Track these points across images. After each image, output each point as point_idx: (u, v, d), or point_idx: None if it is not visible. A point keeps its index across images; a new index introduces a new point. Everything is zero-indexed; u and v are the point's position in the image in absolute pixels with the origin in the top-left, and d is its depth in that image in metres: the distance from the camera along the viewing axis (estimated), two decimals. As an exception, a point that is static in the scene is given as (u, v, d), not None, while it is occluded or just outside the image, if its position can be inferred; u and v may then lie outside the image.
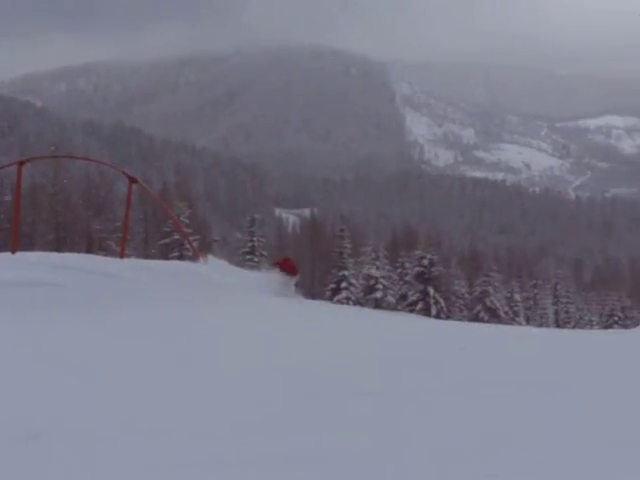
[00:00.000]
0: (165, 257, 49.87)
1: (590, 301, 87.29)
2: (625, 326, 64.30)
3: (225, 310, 16.36)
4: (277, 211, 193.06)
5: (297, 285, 28.58)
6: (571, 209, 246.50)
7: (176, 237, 52.27)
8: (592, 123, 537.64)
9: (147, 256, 48.94)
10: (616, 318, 79.57)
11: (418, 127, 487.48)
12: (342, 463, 5.06)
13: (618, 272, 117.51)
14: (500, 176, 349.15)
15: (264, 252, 61.01)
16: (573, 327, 70.54)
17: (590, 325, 77.16)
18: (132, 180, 26.00)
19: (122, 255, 27.40)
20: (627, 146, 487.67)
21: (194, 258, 29.52)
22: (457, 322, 34.74)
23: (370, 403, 7.08)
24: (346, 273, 55.88)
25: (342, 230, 61.48)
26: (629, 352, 14.61)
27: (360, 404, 7.04)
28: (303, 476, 4.84)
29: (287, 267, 27.68)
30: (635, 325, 54.25)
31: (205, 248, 46.13)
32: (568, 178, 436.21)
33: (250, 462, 5.03)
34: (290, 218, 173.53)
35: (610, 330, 45.45)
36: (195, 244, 40.15)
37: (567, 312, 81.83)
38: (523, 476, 4.93)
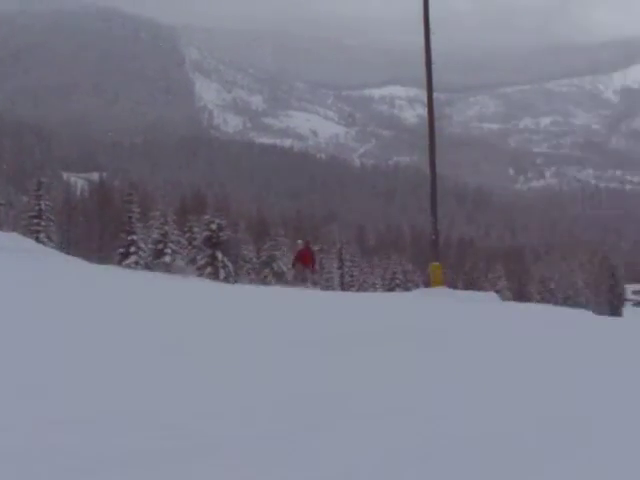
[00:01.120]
0: None
1: (374, 265, 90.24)
2: (407, 289, 66.85)
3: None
4: (65, 175, 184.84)
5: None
6: (356, 176, 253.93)
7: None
8: (377, 92, 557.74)
9: None
10: (398, 281, 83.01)
11: (207, 92, 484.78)
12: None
13: (400, 237, 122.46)
14: (288, 143, 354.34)
15: (51, 216, 59.82)
16: (357, 290, 72.57)
17: (374, 288, 79.78)
18: None
19: None
20: (409, 115, 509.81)
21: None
22: (249, 286, 34.41)
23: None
24: (135, 237, 55.29)
25: (130, 195, 61.65)
26: (407, 312, 14.93)
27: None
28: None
29: (305, 257, 26.48)
30: (416, 287, 56.52)
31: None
32: (353, 146, 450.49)
33: None
34: (79, 182, 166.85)
35: (392, 293, 47.02)
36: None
37: (352, 276, 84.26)
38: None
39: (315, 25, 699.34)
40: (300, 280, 26.09)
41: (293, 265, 27.68)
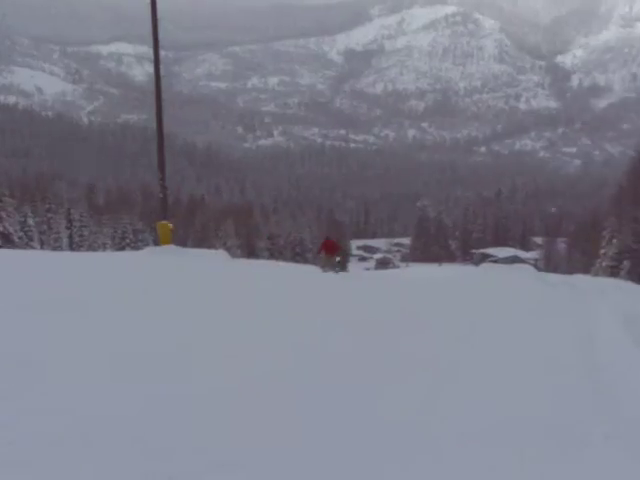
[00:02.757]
0: None
1: (104, 224, 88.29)
2: (137, 248, 66.23)
3: None
4: None
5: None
6: (84, 134, 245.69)
7: None
8: (104, 49, 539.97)
9: None
10: (128, 240, 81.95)
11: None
12: None
13: (130, 196, 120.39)
14: (12, 99, 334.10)
15: None
16: (87, 250, 70.86)
17: (104, 247, 78.28)
18: None
19: None
20: (138, 73, 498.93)
21: None
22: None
23: None
24: None
25: None
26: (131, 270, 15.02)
27: None
28: None
29: (328, 246, 28.79)
30: (145, 246, 56.05)
31: None
32: (81, 103, 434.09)
33: None
34: None
35: (122, 252, 46.42)
36: None
37: (81, 236, 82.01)
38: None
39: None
40: (327, 267, 27.79)
41: (318, 253, 30.39)
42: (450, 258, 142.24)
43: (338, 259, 30.84)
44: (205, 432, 4.99)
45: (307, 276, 19.46)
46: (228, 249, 63.06)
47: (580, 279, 48.07)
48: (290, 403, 5.90)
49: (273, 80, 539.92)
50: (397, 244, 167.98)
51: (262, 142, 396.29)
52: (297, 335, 8.70)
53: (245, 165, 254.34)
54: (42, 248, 67.06)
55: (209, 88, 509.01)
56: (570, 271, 73.37)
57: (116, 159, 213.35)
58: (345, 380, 6.73)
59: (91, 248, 76.22)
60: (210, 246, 66.00)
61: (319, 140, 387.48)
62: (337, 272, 26.73)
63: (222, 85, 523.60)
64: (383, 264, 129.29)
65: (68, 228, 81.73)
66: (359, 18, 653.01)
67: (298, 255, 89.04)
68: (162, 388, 5.79)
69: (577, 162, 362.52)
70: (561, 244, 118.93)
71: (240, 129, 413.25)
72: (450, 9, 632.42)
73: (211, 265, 17.95)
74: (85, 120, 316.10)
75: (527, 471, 4.92)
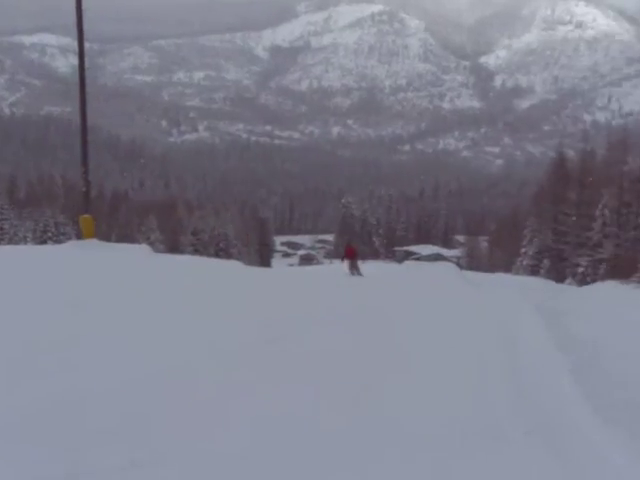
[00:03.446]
0: None
1: (25, 218, 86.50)
2: (59, 241, 65.10)
3: None
4: None
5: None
6: (5, 126, 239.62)
7: None
8: (27, 40, 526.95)
9: None
10: (50, 234, 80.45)
11: None
12: None
13: (52, 189, 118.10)
14: None
15: None
16: (8, 243, 69.33)
17: (25, 241, 76.75)
18: None
19: None
20: (61, 65, 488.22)
21: None
22: None
23: None
24: None
25: None
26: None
27: None
28: None
29: (350, 252, 32.72)
30: (68, 239, 55.19)
31: None
32: (2, 94, 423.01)
33: None
34: None
35: (43, 246, 45.65)
36: None
37: (1, 229, 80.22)
38: None
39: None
40: (354, 270, 31.52)
41: (342, 259, 33.33)
42: (374, 255, 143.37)
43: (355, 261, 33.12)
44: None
45: (228, 272, 19.58)
46: (151, 244, 62.59)
47: (501, 277, 49.28)
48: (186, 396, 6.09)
49: (199, 75, 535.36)
50: (321, 241, 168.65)
51: (187, 137, 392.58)
52: (207, 330, 8.88)
53: (170, 159, 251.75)
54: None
55: (134, 81, 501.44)
56: (491, 269, 75.02)
57: (38, 152, 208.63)
58: (241, 374, 6.95)
59: (12, 242, 74.56)
60: (133, 241, 65.32)
61: (244, 136, 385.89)
62: (359, 274, 31.14)
63: (147, 79, 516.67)
64: (307, 260, 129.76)
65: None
66: (285, 14, 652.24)
67: (222, 250, 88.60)
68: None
69: (499, 162, 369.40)
70: (483, 242, 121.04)
71: (165, 123, 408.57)
72: (376, 8, 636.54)
73: (132, 260, 17.94)
74: (7, 111, 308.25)
75: (451, 466, 5.24)
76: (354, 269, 31.62)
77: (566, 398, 7.28)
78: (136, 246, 27.07)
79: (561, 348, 10.16)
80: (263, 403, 6.13)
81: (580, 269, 50.66)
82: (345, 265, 32.31)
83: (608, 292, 18.96)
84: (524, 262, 64.11)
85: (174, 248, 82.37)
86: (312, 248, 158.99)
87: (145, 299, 10.80)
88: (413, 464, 5.20)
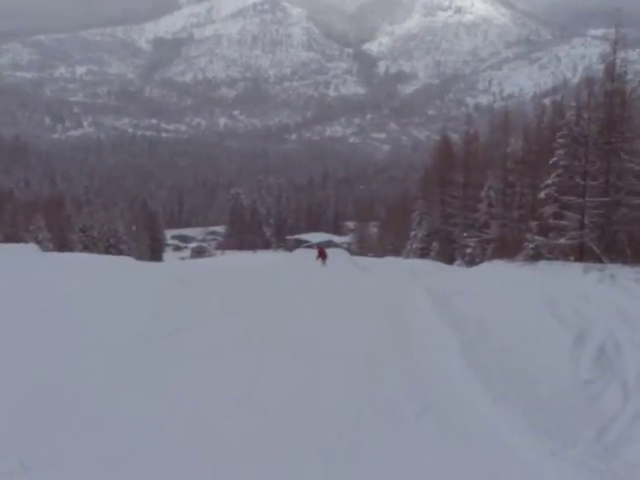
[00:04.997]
0: None
1: None
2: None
3: None
4: None
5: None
6: None
7: None
8: None
9: None
10: None
11: None
12: None
13: None
14: None
15: None
16: None
17: None
18: None
19: None
20: None
21: None
22: None
23: None
24: None
25: None
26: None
27: None
28: None
29: (321, 252, 43.24)
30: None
31: None
32: None
33: None
34: None
35: None
36: None
37: None
38: None
39: None
40: (323, 264, 41.14)
41: (317, 258, 42.42)
42: (265, 245, 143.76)
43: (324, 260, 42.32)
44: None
45: (119, 268, 19.39)
46: (40, 243, 61.01)
47: (391, 261, 50.29)
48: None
49: (81, 69, 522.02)
50: (212, 232, 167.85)
51: (72, 133, 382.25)
52: (98, 327, 8.90)
53: (55, 156, 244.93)
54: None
55: (14, 78, 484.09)
56: (382, 254, 76.24)
57: None
58: (132, 370, 7.02)
59: None
60: (21, 241, 63.47)
61: (130, 130, 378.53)
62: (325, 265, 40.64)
63: (28, 75, 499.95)
64: (199, 253, 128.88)
65: None
66: (167, 6, 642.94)
67: (112, 247, 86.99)
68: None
69: (386, 147, 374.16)
70: (373, 228, 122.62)
71: (48, 120, 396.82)
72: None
73: (18, 260, 17.58)
74: None
75: (346, 443, 5.47)
76: (323, 262, 41.32)
77: (457, 375, 7.63)
78: (22, 245, 26.48)
79: (452, 328, 10.56)
80: (152, 401, 6.20)
81: (468, 250, 51.92)
82: (318, 262, 41.45)
83: (495, 271, 19.70)
84: (414, 245, 65.25)
85: (63, 246, 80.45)
86: (203, 240, 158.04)
87: (34, 299, 10.66)
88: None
